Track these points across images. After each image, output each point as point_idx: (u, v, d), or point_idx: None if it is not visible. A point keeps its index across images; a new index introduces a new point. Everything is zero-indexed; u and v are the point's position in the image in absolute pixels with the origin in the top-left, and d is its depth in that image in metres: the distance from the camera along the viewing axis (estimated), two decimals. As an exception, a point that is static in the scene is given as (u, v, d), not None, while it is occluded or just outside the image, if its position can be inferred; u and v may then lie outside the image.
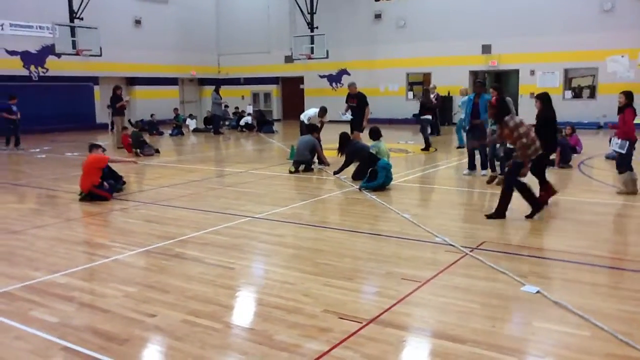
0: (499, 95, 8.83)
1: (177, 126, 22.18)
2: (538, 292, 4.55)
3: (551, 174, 10.84)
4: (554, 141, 8.22)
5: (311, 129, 12.30)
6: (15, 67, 22.18)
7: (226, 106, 24.40)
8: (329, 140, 12.91)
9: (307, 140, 11.85)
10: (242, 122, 23.67)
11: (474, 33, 23.46)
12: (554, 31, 21.78)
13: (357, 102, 13.28)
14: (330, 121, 14.43)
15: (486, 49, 23.67)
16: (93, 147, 9.26)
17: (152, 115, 22.70)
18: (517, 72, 23.57)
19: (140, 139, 15.24)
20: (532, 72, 22.93)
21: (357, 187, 9.47)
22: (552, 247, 5.88)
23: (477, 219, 7.23)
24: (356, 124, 13.22)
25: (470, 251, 5.72)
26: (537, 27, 22.09)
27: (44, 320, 4.20)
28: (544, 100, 8.12)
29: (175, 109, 24.43)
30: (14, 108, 17.05)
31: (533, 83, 22.78)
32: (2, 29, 21.76)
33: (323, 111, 13.77)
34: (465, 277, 4.97)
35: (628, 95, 8.67)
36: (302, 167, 11.59)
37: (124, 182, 9.83)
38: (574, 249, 5.80)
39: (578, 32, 21.34)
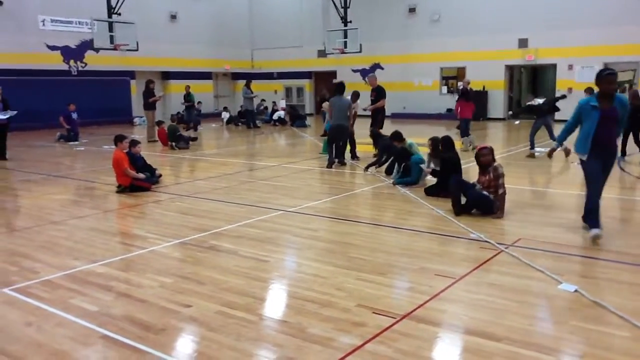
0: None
1: (189, 106, 21.74)
2: (576, 290, 4.46)
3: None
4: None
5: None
6: (55, 62, 22.76)
7: (262, 100, 24.38)
8: (360, 135, 12.87)
9: (342, 103, 11.50)
10: (275, 117, 23.78)
11: (510, 27, 23.04)
12: (593, 24, 21.23)
13: (376, 95, 12.94)
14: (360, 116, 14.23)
15: (523, 43, 23.23)
16: (118, 139, 9.39)
17: (178, 114, 23.04)
18: (554, 66, 23.08)
19: (176, 133, 15.46)
20: (570, 67, 22.42)
21: (391, 182, 9.44)
22: (590, 246, 5.75)
23: (514, 216, 7.13)
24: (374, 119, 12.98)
25: (506, 248, 5.64)
26: (575, 20, 21.58)
27: (84, 308, 4.32)
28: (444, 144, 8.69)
29: (187, 87, 22.52)
30: (74, 115, 17.77)
31: (571, 78, 22.28)
32: (44, 24, 22.34)
33: (356, 96, 13.23)
34: (500, 274, 4.91)
35: (462, 91, 14.75)
36: (335, 162, 11.45)
37: (160, 175, 10.00)
38: (613, 247, 5.67)
39: (618, 25, 20.75)
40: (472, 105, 14.60)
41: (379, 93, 12.90)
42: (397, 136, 10.08)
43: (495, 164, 7.09)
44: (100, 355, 3.60)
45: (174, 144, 15.19)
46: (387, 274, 5.03)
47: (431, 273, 4.98)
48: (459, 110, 14.70)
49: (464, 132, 14.27)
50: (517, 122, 18.56)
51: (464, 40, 24.29)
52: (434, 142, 9.03)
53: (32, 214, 7.71)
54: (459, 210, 7.09)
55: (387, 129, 12.67)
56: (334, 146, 11.55)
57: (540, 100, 13.30)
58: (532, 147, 12.71)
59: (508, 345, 3.59)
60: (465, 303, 4.33)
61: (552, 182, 10.18)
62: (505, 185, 7.11)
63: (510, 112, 22.17)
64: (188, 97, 22.16)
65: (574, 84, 22.09)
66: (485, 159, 7.22)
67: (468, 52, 24.31)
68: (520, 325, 3.88)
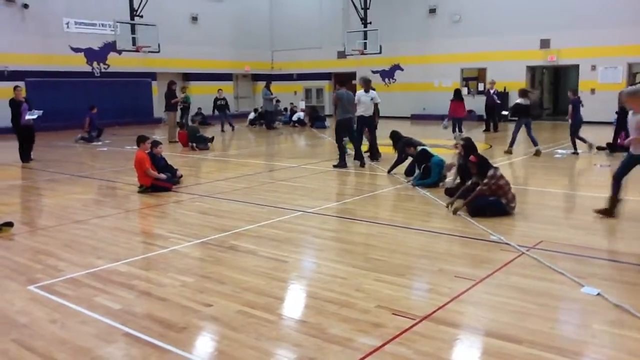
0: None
1: (186, 107, 20.92)
2: (599, 294, 4.41)
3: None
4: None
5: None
6: (79, 64, 23.13)
7: (277, 101, 24.53)
8: (381, 137, 12.83)
9: (350, 96, 11.65)
10: (294, 118, 23.85)
11: (532, 27, 22.80)
12: (617, 24, 20.88)
13: None
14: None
15: (545, 44, 22.97)
16: (140, 140, 9.51)
17: (199, 109, 23.17)
18: (577, 67, 22.78)
19: (196, 134, 15.60)
20: (594, 68, 22.10)
21: (410, 183, 9.41)
22: (612, 249, 5.68)
23: (535, 218, 7.06)
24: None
25: (527, 250, 5.59)
26: (598, 20, 21.25)
27: (107, 306, 4.38)
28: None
29: (183, 88, 21.75)
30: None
31: (594, 79, 21.98)
32: (68, 27, 22.72)
33: (366, 82, 12.47)
34: (521, 277, 4.87)
35: (455, 92, 16.53)
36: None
37: (181, 175, 10.10)
38: (637, 250, 5.59)
39: (643, 25, 20.41)
40: (463, 105, 16.15)
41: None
42: (409, 142, 10.16)
43: (490, 172, 7.10)
44: (123, 353, 3.65)
45: (194, 144, 15.32)
46: (406, 275, 5.03)
47: (451, 275, 4.96)
48: (451, 110, 16.11)
49: (457, 129, 15.75)
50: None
51: (485, 41, 24.10)
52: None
53: (56, 213, 7.85)
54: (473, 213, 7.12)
55: (407, 130, 12.67)
56: (343, 143, 11.63)
57: (529, 102, 13.55)
58: (512, 144, 13.21)
59: (529, 348, 3.56)
60: (485, 305, 4.30)
61: (574, 183, 10.05)
62: (520, 187, 7.18)
63: (506, 113, 20.98)
64: (184, 99, 21.94)
65: (597, 84, 21.80)
66: (471, 171, 7.47)
67: (489, 53, 24.12)
68: (542, 328, 3.84)
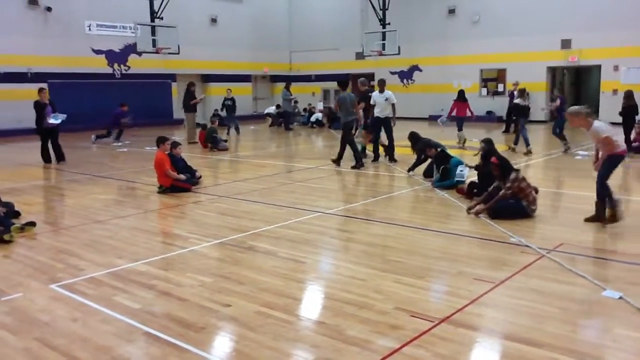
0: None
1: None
2: (621, 297, 4.35)
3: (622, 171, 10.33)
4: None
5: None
6: (100, 65, 23.40)
7: (295, 102, 24.57)
8: (399, 138, 12.80)
9: (351, 98, 11.69)
10: (312, 119, 23.89)
11: (553, 27, 22.51)
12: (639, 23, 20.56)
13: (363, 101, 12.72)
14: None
15: (566, 44, 22.67)
16: (160, 141, 9.61)
17: (216, 110, 23.26)
18: (598, 68, 22.45)
19: (214, 135, 15.69)
20: (616, 68, 21.75)
21: (429, 184, 9.36)
22: (634, 252, 5.59)
23: (555, 220, 6.99)
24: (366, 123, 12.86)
25: (547, 253, 5.53)
26: (620, 19, 20.89)
27: (127, 305, 4.43)
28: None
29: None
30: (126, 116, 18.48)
31: (616, 79, 21.61)
32: (90, 29, 23.00)
33: (382, 83, 12.66)
34: (542, 280, 4.82)
35: (459, 93, 16.26)
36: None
37: (200, 176, 10.17)
38: (660, 254, 5.50)
39: (667, 25, 20.04)
40: (467, 105, 16.26)
41: (361, 98, 12.77)
42: (428, 143, 10.17)
43: (512, 175, 7.07)
44: (143, 352, 3.69)
45: (211, 145, 15.41)
46: (425, 277, 5.00)
47: (470, 277, 4.92)
48: (455, 110, 16.39)
49: (457, 129, 15.86)
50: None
51: (505, 42, 23.85)
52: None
53: (77, 213, 7.95)
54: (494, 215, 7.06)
55: (425, 131, 12.60)
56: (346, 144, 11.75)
57: (527, 102, 14.50)
58: (528, 144, 13.45)
59: (550, 352, 3.52)
60: (505, 308, 4.26)
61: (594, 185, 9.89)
62: (540, 189, 7.09)
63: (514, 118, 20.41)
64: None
65: (620, 85, 21.45)
66: (493, 173, 7.43)
67: (509, 54, 23.86)
68: (563, 332, 3.80)
